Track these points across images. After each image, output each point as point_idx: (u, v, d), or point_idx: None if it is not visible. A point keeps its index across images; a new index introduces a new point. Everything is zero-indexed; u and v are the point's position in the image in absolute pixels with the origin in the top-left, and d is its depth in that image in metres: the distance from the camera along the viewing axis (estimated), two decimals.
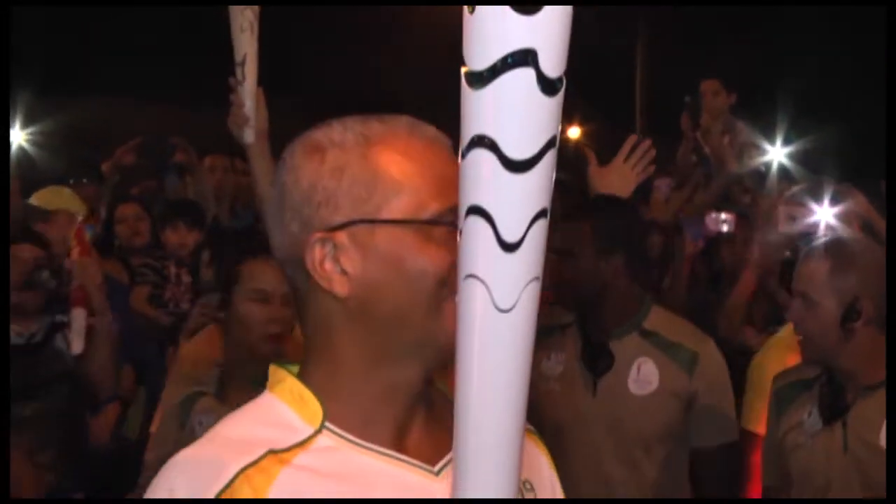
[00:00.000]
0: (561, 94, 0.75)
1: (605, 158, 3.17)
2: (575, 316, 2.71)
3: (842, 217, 3.32)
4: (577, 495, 2.46)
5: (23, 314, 3.40)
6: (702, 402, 2.59)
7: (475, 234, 0.79)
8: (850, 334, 2.26)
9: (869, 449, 2.25)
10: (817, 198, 3.49)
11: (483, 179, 0.77)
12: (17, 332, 3.37)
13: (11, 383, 3.05)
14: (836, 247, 2.39)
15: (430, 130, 1.06)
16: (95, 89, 11.59)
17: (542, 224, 0.79)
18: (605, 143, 5.45)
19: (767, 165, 4.81)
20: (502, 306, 0.80)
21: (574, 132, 14.37)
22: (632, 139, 3.07)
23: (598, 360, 2.63)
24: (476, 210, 0.78)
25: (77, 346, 3.40)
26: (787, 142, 5.12)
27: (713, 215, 4.14)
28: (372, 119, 1.05)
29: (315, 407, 1.03)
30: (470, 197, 0.79)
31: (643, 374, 2.60)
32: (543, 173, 0.77)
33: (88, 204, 4.80)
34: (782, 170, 4.83)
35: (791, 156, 5.02)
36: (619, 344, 2.62)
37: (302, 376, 1.06)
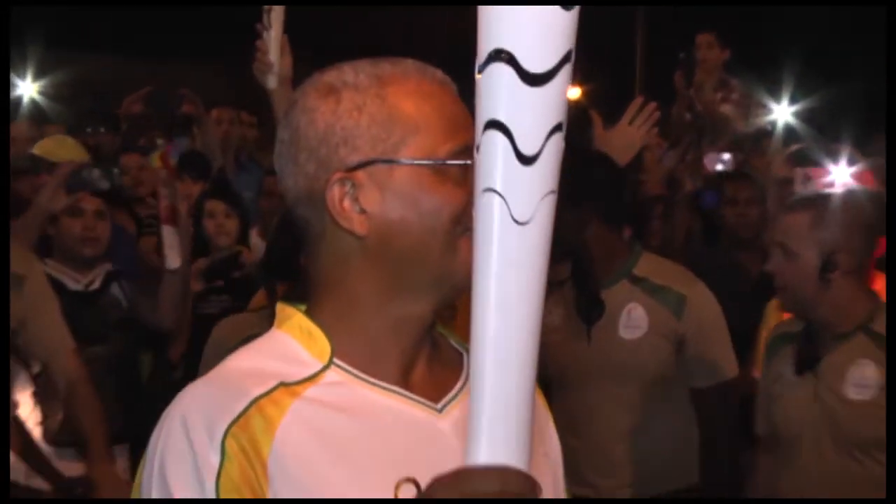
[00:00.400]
0: (576, 9, 0.77)
1: (608, 119, 3.22)
2: (570, 270, 2.77)
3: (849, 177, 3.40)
4: (581, 444, 2.62)
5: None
6: (692, 343, 2.68)
7: (493, 148, 0.81)
8: (827, 285, 2.33)
9: (838, 398, 2.33)
10: (821, 158, 3.57)
11: (501, 93, 0.79)
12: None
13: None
14: (817, 200, 2.46)
15: (438, 73, 1.08)
16: (103, 44, 11.63)
17: (558, 138, 0.82)
18: (607, 104, 5.41)
19: (772, 124, 4.78)
20: (520, 219, 0.82)
21: (575, 92, 14.29)
22: (636, 102, 3.10)
23: (590, 309, 2.71)
24: (494, 124, 0.80)
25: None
26: (792, 101, 5.08)
27: (712, 155, 4.17)
28: (382, 61, 1.06)
29: (323, 343, 1.05)
30: (488, 112, 0.80)
31: (633, 319, 2.69)
32: (560, 87, 0.79)
33: (104, 153, 4.89)
34: (788, 129, 4.79)
35: (797, 114, 4.98)
36: (610, 292, 2.71)
37: (310, 313, 1.07)
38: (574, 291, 2.75)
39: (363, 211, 1.02)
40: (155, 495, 1.01)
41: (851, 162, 3.51)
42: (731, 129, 4.41)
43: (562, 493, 1.24)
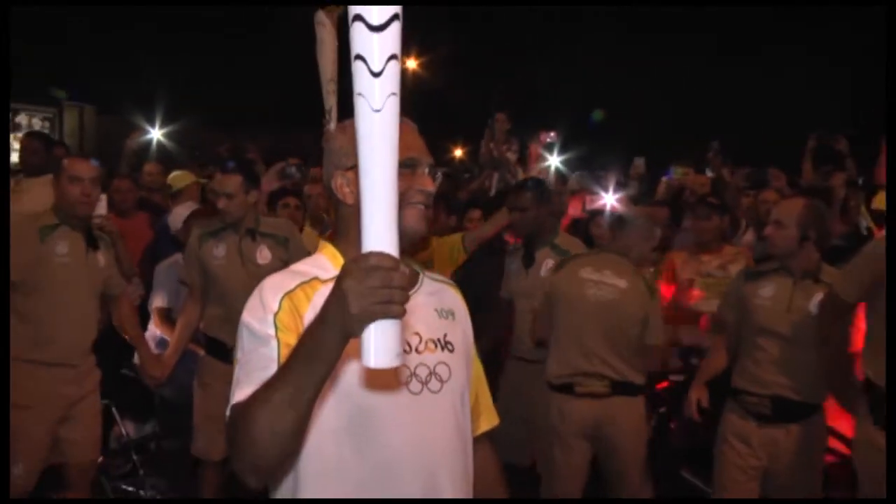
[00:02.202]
0: None
1: None
2: (524, 242, 4.69)
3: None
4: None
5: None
6: None
7: (358, 69, 1.29)
8: (801, 248, 3.55)
9: (801, 312, 3.52)
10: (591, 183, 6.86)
11: (358, 38, 1.28)
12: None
13: None
14: (802, 195, 3.98)
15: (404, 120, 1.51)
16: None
17: (394, 62, 1.29)
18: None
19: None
20: (375, 108, 1.30)
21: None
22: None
23: (528, 261, 4.57)
24: (357, 56, 1.28)
25: None
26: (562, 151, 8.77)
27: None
28: None
29: (339, 259, 1.68)
30: (354, 49, 1.29)
31: (544, 266, 4.48)
32: (392, 32, 1.28)
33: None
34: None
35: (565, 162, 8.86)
36: (539, 252, 4.55)
37: (334, 244, 1.75)
38: (522, 251, 4.64)
39: (351, 191, 1.68)
40: (240, 339, 1.61)
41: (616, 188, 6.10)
42: (510, 166, 7.57)
43: (471, 348, 1.87)
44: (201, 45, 17.65)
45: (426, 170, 1.70)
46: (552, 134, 5.46)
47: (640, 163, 8.38)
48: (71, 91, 17.24)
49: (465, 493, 1.76)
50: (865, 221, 5.31)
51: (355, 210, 1.58)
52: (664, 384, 4.92)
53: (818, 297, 3.49)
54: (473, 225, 5.46)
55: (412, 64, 21.72)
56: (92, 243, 3.92)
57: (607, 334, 3.83)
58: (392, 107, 1.32)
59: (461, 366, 1.77)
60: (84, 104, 17.78)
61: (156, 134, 10.02)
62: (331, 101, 4.22)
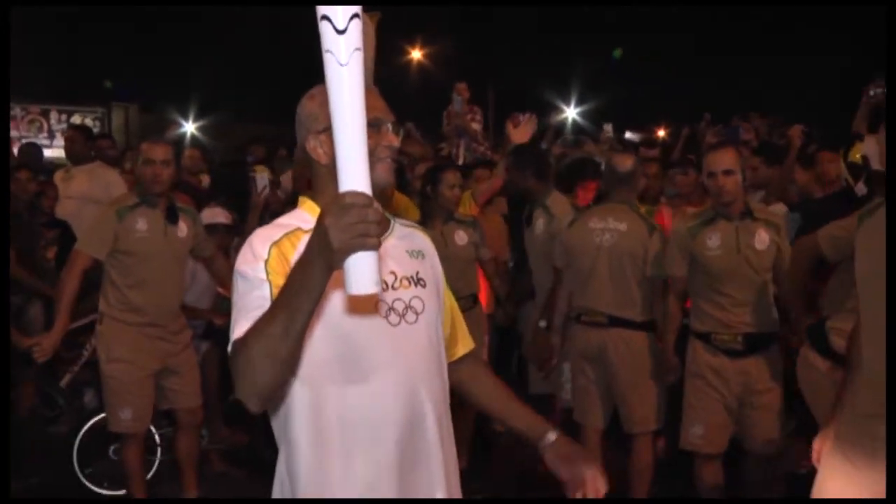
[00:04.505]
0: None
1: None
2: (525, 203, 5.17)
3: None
4: None
5: None
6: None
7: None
8: (744, 191, 3.90)
9: (750, 248, 3.79)
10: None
11: (327, 35, 1.43)
12: None
13: None
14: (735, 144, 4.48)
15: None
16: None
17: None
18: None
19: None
20: (342, 62, 1.42)
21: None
22: (526, 117, 6.10)
23: (528, 220, 5.05)
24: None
25: None
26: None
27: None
28: None
29: (316, 211, 1.73)
30: (324, 45, 1.43)
31: (539, 225, 4.93)
32: (353, 31, 1.42)
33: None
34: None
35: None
36: (535, 212, 4.97)
37: (312, 198, 1.87)
38: (516, 210, 5.16)
39: (324, 152, 1.81)
40: (235, 286, 1.73)
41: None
42: (475, 135, 7.68)
43: (441, 283, 1.98)
44: (234, 42, 18.14)
45: (390, 127, 1.81)
46: (527, 115, 5.82)
47: (608, 128, 8.60)
48: (117, 88, 18.05)
49: (443, 410, 1.88)
50: (844, 174, 5.48)
51: (329, 168, 1.72)
52: None
53: (760, 233, 3.79)
54: (482, 182, 5.84)
55: (417, 55, 22.29)
56: (172, 217, 4.26)
57: (611, 274, 4.15)
58: (357, 60, 1.44)
59: (433, 300, 1.91)
60: (129, 103, 18.59)
61: (190, 128, 10.96)
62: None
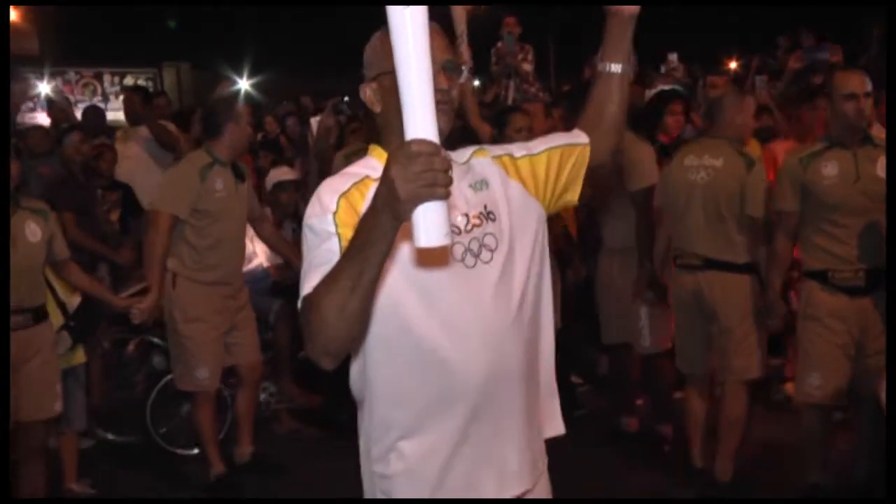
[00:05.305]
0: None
1: None
2: None
3: None
4: None
5: None
6: None
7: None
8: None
9: (870, 177, 3.52)
10: None
11: (394, 12, 1.39)
12: None
13: None
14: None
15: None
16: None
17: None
18: None
19: None
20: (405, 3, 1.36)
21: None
22: None
23: None
24: None
25: None
26: None
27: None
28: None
29: (385, 158, 1.54)
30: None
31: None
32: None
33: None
34: None
35: None
36: None
37: (380, 146, 1.80)
38: None
39: (378, 100, 1.76)
40: (305, 239, 1.68)
41: None
42: (525, 75, 7.01)
43: (519, 192, 1.85)
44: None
45: (440, 68, 1.69)
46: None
47: (673, 58, 7.64)
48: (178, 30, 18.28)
49: (530, 351, 1.81)
50: None
51: (384, 116, 1.74)
52: None
53: (881, 160, 3.51)
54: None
55: None
56: (239, 176, 4.29)
57: (706, 213, 3.92)
58: (421, 3, 1.39)
59: (506, 230, 1.79)
60: (180, 62, 18.62)
61: (244, 84, 11.00)
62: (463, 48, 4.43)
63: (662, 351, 4.57)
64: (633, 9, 1.88)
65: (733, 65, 11.28)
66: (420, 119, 1.39)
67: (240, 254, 4.40)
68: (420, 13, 1.37)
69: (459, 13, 4.36)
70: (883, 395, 2.43)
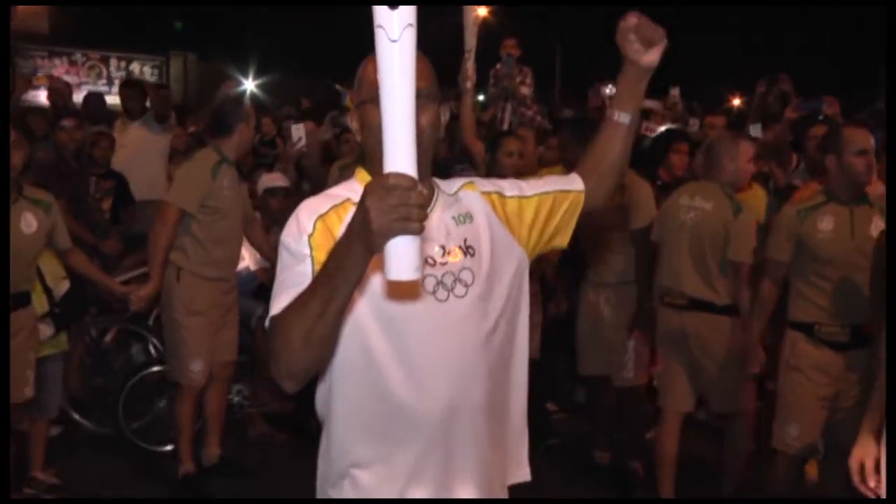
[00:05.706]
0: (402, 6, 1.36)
1: None
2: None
3: None
4: None
5: None
6: None
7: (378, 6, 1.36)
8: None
9: (864, 235, 3.56)
10: None
11: (380, 10, 1.36)
12: None
13: None
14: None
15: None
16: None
17: (410, 29, 1.36)
18: None
19: None
20: (393, 38, 1.36)
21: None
22: None
23: None
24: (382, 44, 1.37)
25: None
26: None
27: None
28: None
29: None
30: (376, 19, 1.36)
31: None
32: (409, 42, 1.36)
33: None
34: None
35: None
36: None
37: (364, 169, 1.79)
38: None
39: (358, 129, 1.77)
40: (280, 258, 1.67)
41: None
42: (523, 99, 6.94)
43: (500, 233, 1.81)
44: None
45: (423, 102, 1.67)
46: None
47: (675, 93, 7.51)
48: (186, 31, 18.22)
49: (494, 389, 1.78)
50: None
51: (364, 144, 1.75)
52: None
53: (877, 220, 3.55)
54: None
55: (483, 11, 21.62)
56: (241, 175, 4.35)
57: (692, 253, 4.00)
58: (409, 37, 1.37)
59: (485, 265, 1.76)
60: (187, 52, 18.62)
61: (250, 85, 11.18)
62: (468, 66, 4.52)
63: (640, 385, 4.60)
64: (652, 59, 1.86)
65: (737, 101, 11.32)
66: (399, 152, 1.39)
67: (238, 252, 4.47)
68: (408, 43, 1.37)
69: (472, 29, 4.38)
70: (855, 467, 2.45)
